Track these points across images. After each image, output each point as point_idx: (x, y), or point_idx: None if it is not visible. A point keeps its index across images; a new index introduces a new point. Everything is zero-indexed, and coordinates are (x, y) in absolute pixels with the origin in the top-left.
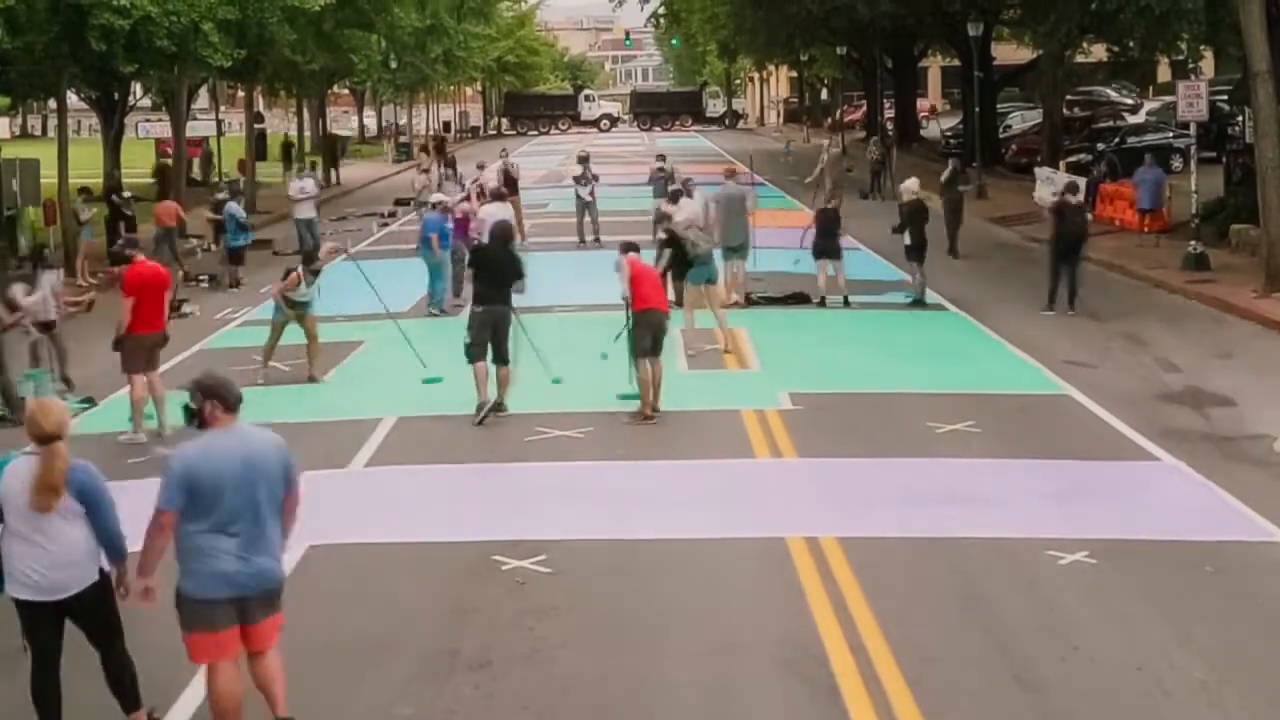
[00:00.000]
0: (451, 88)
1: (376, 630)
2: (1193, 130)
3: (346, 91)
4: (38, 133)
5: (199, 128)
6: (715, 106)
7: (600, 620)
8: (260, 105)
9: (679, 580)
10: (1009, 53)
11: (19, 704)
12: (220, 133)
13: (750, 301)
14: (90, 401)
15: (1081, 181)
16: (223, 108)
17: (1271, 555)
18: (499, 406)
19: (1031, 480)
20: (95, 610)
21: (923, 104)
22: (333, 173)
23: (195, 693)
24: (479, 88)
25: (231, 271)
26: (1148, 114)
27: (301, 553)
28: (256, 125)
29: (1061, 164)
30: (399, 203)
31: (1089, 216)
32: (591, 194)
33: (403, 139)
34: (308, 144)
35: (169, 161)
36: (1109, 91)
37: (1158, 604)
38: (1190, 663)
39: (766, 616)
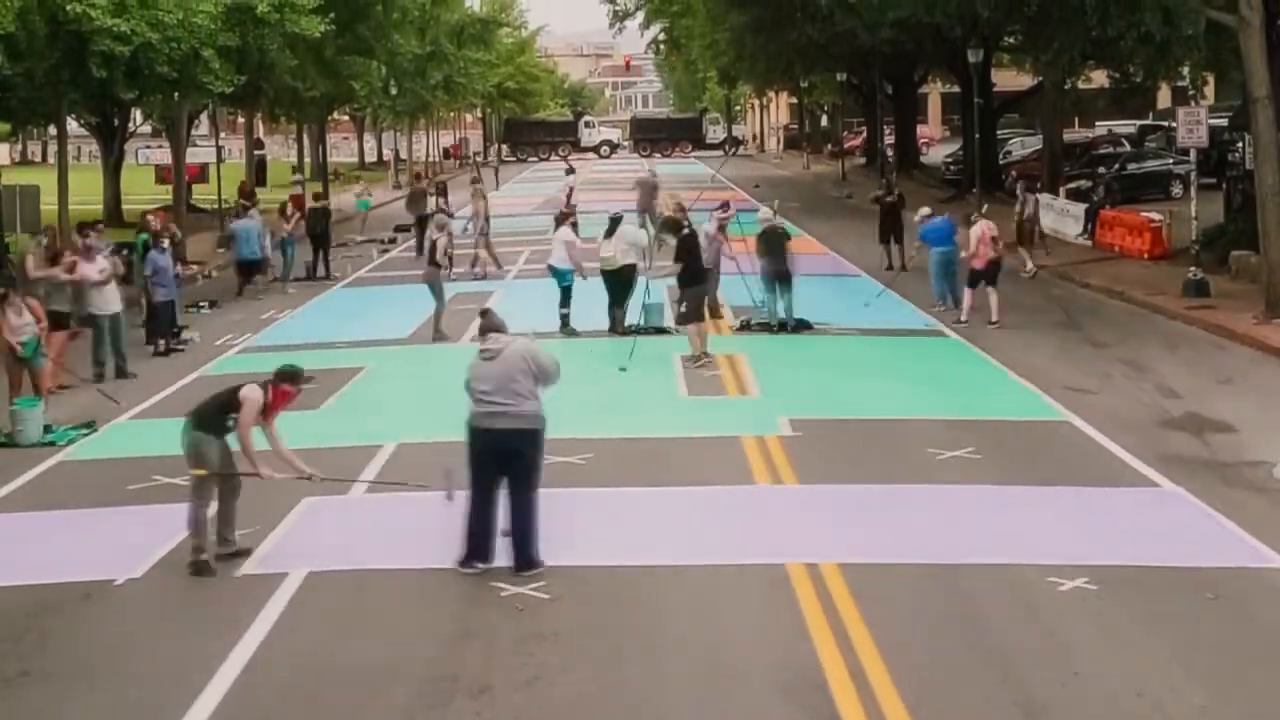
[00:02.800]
0: (452, 114)
1: (377, 656)
2: (1193, 156)
3: (346, 118)
4: (38, 159)
5: (199, 154)
6: (715, 132)
7: (600, 646)
8: (260, 131)
9: (679, 606)
10: (1009, 79)
11: None
12: (220, 159)
13: (747, 327)
14: (91, 427)
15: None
16: (223, 134)
17: (1272, 581)
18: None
19: (1031, 506)
20: None
21: (923, 130)
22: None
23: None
24: (479, 114)
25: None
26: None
27: (302, 578)
28: (257, 151)
29: (1062, 190)
30: (399, 229)
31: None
32: None
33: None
34: (308, 170)
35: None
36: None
37: (1158, 630)
38: (1190, 688)
39: (766, 642)
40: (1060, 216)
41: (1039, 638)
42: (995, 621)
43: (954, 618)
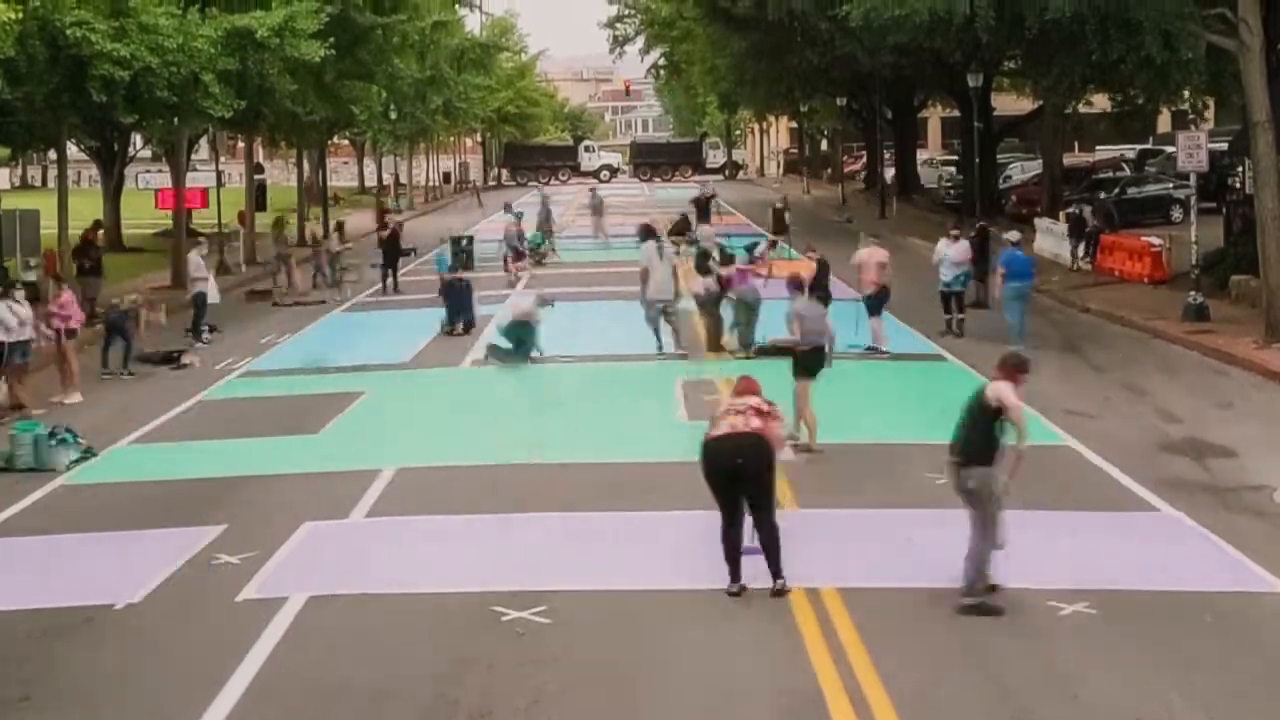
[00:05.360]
0: (451, 138)
1: (377, 680)
2: (1192, 181)
3: (346, 142)
4: (38, 183)
5: (199, 178)
6: (715, 157)
7: (599, 670)
8: (260, 156)
9: (678, 630)
10: (1009, 103)
11: None
12: (220, 183)
13: (761, 351)
14: (90, 452)
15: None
16: (223, 158)
17: (1271, 605)
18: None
19: (1031, 531)
20: None
21: (925, 155)
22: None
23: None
24: (479, 138)
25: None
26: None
27: (303, 603)
28: (256, 176)
29: (1061, 214)
30: (402, 253)
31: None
32: None
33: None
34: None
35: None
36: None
37: (1158, 654)
38: (1190, 712)
39: (766, 666)
40: (1060, 240)
41: (1039, 662)
42: (995, 645)
43: (954, 641)
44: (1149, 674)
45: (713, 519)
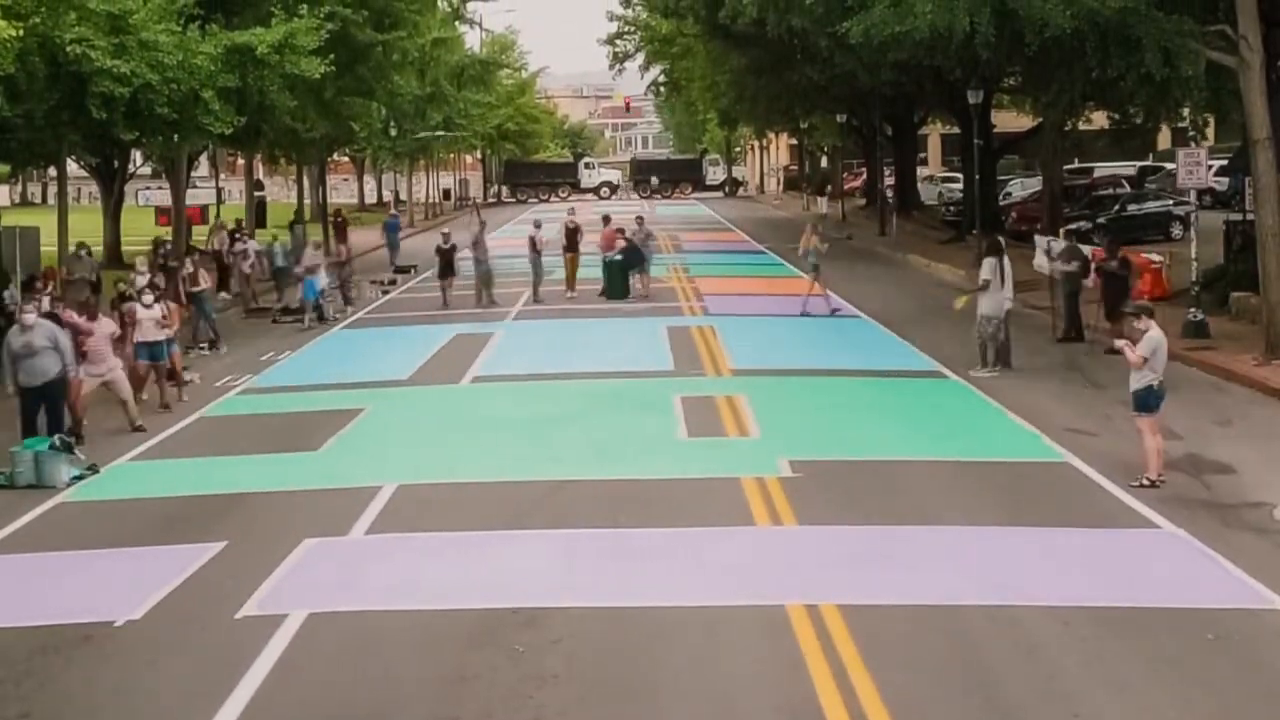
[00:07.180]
0: (451, 155)
1: (376, 698)
2: (1193, 197)
3: (346, 159)
4: (38, 200)
5: (199, 195)
6: (715, 174)
7: (599, 688)
8: (260, 173)
9: (678, 648)
10: (1009, 120)
11: None
12: (220, 200)
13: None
14: (94, 469)
15: None
16: (223, 175)
17: (1272, 623)
18: None
19: (1031, 548)
20: None
21: (925, 171)
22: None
23: None
24: (479, 155)
25: None
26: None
27: (302, 620)
28: (256, 193)
29: (1061, 231)
30: (399, 270)
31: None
32: None
33: (402, 205)
34: (308, 211)
35: None
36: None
37: (1158, 671)
38: None
39: (766, 684)
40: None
41: (1039, 680)
42: (996, 663)
43: (954, 660)
44: (1149, 692)
45: (715, 536)
